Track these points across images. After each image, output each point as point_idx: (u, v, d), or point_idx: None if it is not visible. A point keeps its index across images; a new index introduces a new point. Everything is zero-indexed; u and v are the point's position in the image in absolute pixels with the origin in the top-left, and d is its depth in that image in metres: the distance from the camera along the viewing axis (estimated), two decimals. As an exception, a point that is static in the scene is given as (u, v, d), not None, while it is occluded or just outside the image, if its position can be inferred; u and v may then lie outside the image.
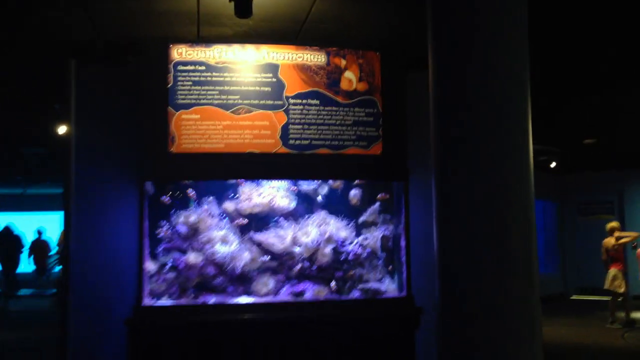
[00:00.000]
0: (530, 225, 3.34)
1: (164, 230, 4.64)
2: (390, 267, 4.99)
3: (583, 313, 11.49)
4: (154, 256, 4.61)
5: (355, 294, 4.80)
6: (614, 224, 9.91)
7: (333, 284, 4.80)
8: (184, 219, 4.66)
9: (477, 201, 3.35)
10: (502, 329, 3.27)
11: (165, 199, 4.66)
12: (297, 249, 4.79)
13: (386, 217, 5.04)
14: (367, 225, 5.03)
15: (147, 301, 4.45)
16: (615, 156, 12.55)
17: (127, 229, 4.76)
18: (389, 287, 4.90)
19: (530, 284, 3.33)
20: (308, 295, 4.69)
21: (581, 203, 14.89)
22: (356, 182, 4.99)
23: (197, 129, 4.52)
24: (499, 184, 3.34)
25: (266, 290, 4.66)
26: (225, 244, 4.66)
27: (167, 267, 4.61)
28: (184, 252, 4.65)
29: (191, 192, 4.73)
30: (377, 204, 5.02)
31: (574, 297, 14.41)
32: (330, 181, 4.96)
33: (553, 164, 12.38)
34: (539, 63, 4.84)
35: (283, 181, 4.89)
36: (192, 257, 4.59)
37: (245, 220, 4.80)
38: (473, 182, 3.39)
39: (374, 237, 4.95)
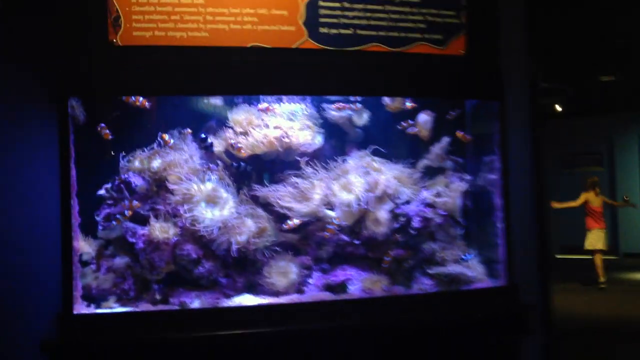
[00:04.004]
0: None
1: (106, 184, 2.71)
2: (476, 241, 3.16)
3: (573, 274, 10.14)
4: (90, 229, 2.71)
5: (426, 283, 2.97)
6: (596, 178, 9.69)
7: (386, 266, 2.95)
8: (140, 164, 2.74)
9: None
10: None
11: (106, 129, 2.71)
12: (331, 213, 2.91)
13: (457, 161, 3.19)
14: (435, 173, 3.19)
15: (81, 307, 2.57)
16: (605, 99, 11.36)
17: (46, 183, 2.72)
18: (477, 271, 3.05)
19: None
20: (354, 289, 2.83)
21: (566, 154, 13.43)
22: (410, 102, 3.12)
23: (160, 4, 2.55)
24: None
25: (285, 282, 2.77)
26: (213, 206, 2.76)
27: (114, 247, 2.70)
28: (142, 221, 2.74)
29: (150, 115, 2.77)
30: (446, 139, 3.16)
31: (559, 256, 13.17)
32: (387, 100, 3.06)
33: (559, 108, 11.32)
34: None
35: (305, 101, 2.99)
36: (158, 229, 2.69)
37: (244, 165, 2.92)
38: None
39: (451, 192, 3.09)
